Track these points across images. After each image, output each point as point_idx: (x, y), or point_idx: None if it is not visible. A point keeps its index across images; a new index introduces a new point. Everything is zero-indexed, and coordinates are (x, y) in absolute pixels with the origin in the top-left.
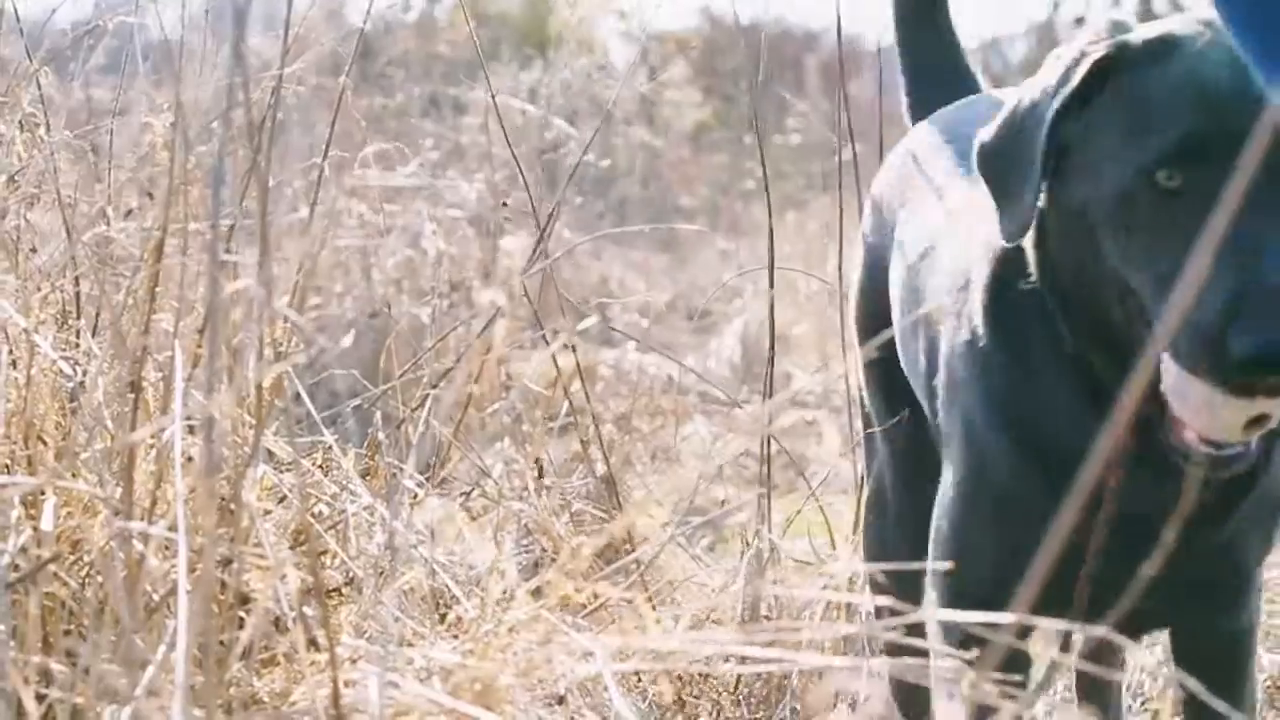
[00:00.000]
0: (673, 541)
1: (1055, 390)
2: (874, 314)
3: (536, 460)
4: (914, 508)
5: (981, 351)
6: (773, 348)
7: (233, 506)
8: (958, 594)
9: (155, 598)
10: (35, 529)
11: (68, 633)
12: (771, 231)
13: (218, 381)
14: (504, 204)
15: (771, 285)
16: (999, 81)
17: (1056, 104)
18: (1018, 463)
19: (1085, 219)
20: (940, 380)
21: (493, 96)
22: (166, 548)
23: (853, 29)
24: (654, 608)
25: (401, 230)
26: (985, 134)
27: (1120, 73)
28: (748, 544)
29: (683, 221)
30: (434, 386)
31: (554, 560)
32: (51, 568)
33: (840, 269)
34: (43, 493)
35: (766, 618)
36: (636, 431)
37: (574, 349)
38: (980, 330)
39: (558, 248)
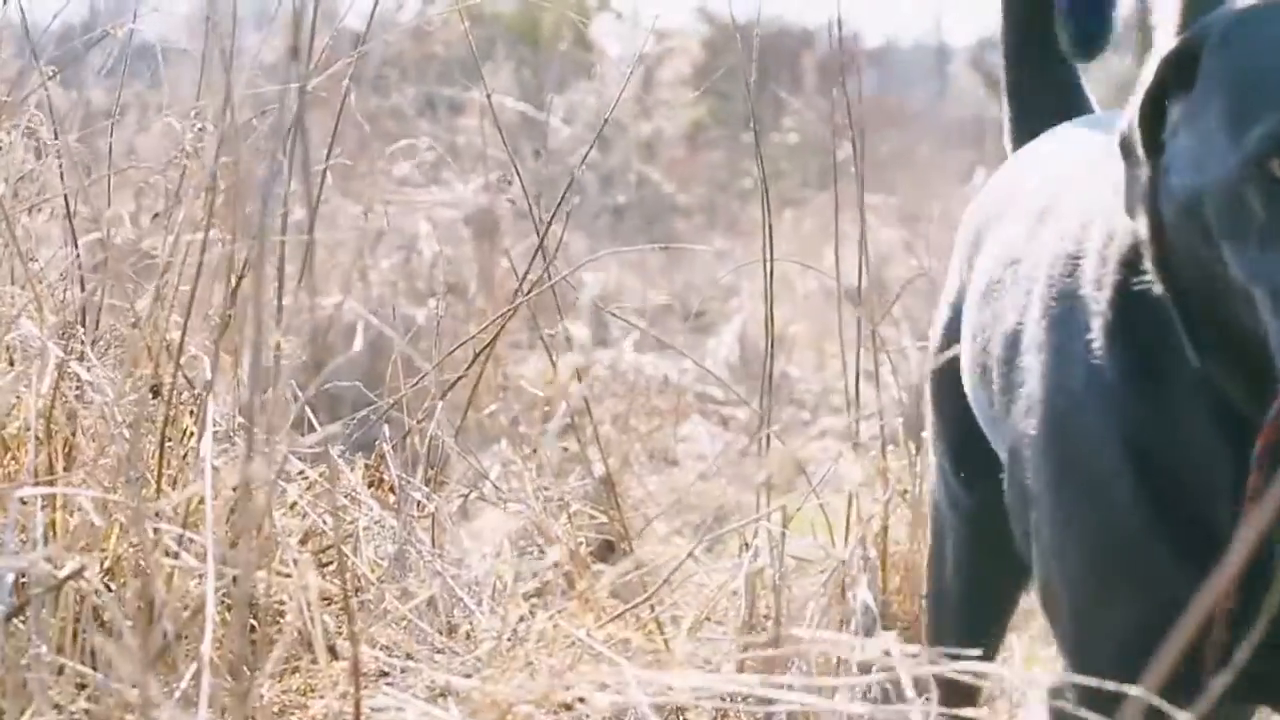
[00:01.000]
0: (672, 542)
1: (1191, 422)
2: (954, 376)
3: (536, 461)
4: (979, 603)
5: (1102, 374)
6: (771, 347)
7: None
8: (1093, 672)
9: (186, 605)
10: (64, 532)
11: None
12: (770, 229)
13: (257, 392)
14: (509, 201)
15: (769, 284)
16: (993, 80)
17: (1147, 90)
18: (1151, 513)
19: (1197, 215)
20: (1034, 418)
21: (488, 96)
22: (178, 553)
23: (850, 26)
24: (652, 608)
25: (397, 232)
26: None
27: (1214, 52)
28: (746, 544)
29: (679, 220)
30: (440, 397)
31: (555, 564)
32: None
33: (838, 266)
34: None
35: (766, 618)
36: (634, 432)
37: (574, 349)
38: (1101, 346)
39: (556, 251)
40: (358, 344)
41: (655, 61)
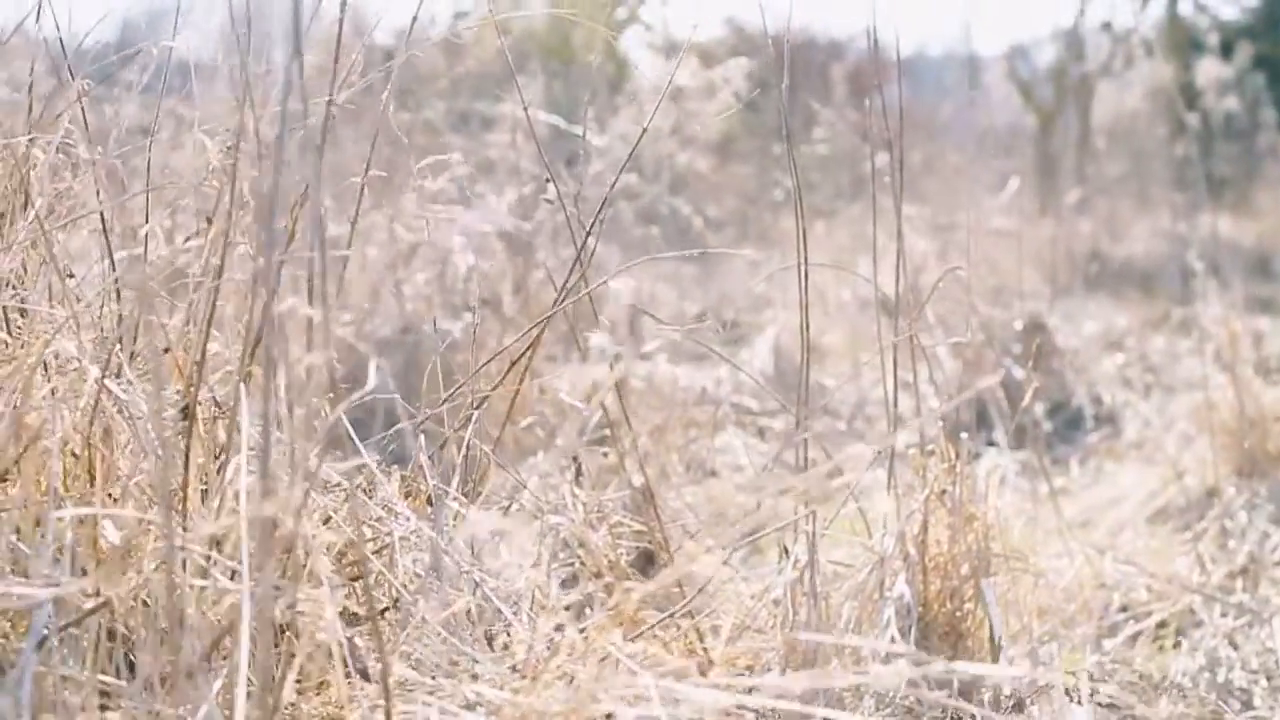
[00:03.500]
0: (712, 553)
1: None
2: None
3: (576, 472)
4: None
5: None
6: (807, 356)
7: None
8: None
9: (216, 623)
10: (97, 551)
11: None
12: (805, 239)
13: (275, 411)
14: (548, 200)
15: (804, 292)
16: (1026, 88)
17: None
18: None
19: None
20: None
21: (525, 109)
22: (206, 571)
23: (881, 36)
24: (692, 615)
25: (431, 246)
26: None
27: None
28: (786, 552)
29: (711, 232)
30: (476, 407)
31: (595, 574)
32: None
33: (875, 273)
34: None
35: (806, 625)
36: (671, 443)
37: (614, 360)
38: None
39: (591, 263)
40: (389, 363)
41: (693, 84)
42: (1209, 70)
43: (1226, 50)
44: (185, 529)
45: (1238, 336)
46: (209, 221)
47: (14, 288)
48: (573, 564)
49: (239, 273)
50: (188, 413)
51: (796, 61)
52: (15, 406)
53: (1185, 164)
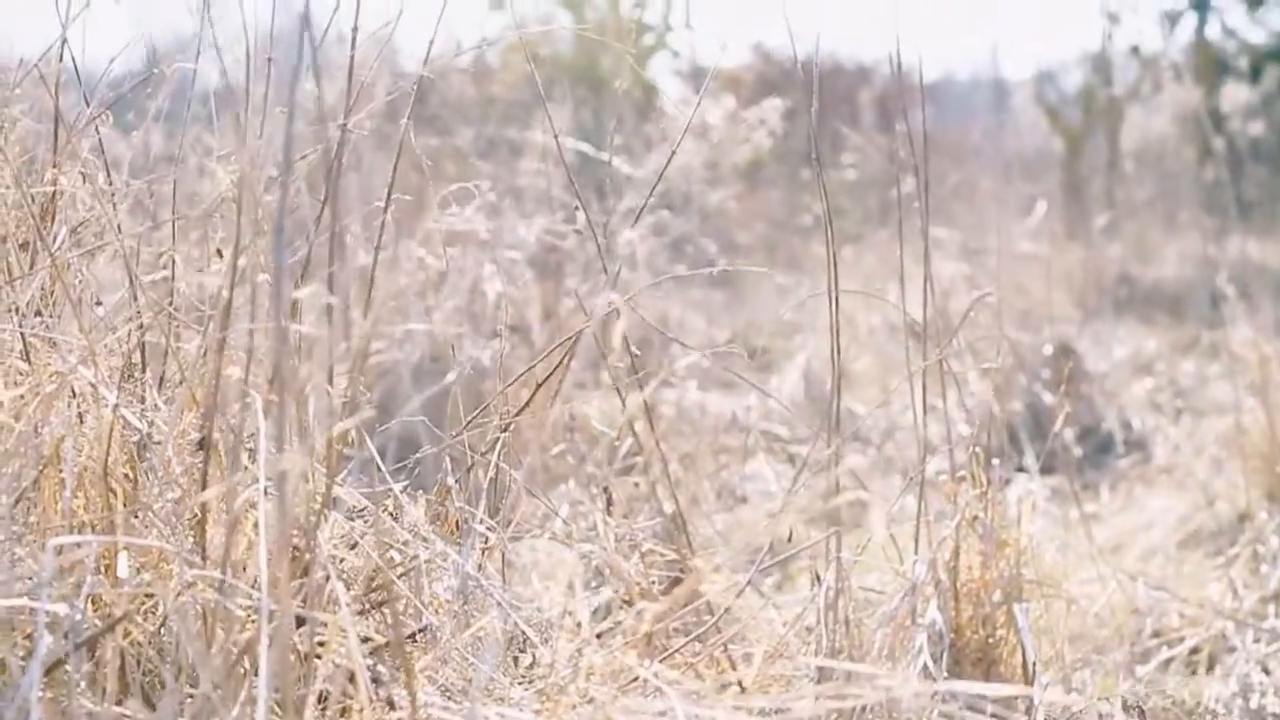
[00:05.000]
0: (739, 582)
1: None
2: None
3: (607, 500)
4: None
5: None
6: (838, 381)
7: (308, 556)
8: None
9: (234, 650)
10: (111, 580)
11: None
12: (835, 264)
13: (290, 437)
14: (576, 231)
15: (835, 317)
16: (1053, 112)
17: None
18: None
19: None
20: None
21: (556, 136)
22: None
23: (907, 60)
24: (725, 648)
25: (460, 273)
26: None
27: None
28: (818, 579)
29: (740, 258)
30: (503, 430)
31: (626, 603)
32: (126, 623)
33: (903, 298)
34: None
35: (838, 652)
36: (701, 470)
37: (642, 387)
38: None
39: (621, 288)
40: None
41: (713, 100)
42: (1235, 94)
43: (1255, 74)
44: (204, 555)
45: (1268, 360)
46: (219, 253)
47: (40, 315)
48: (602, 593)
49: (261, 298)
50: (204, 441)
51: (824, 87)
52: (36, 431)
53: (1214, 187)
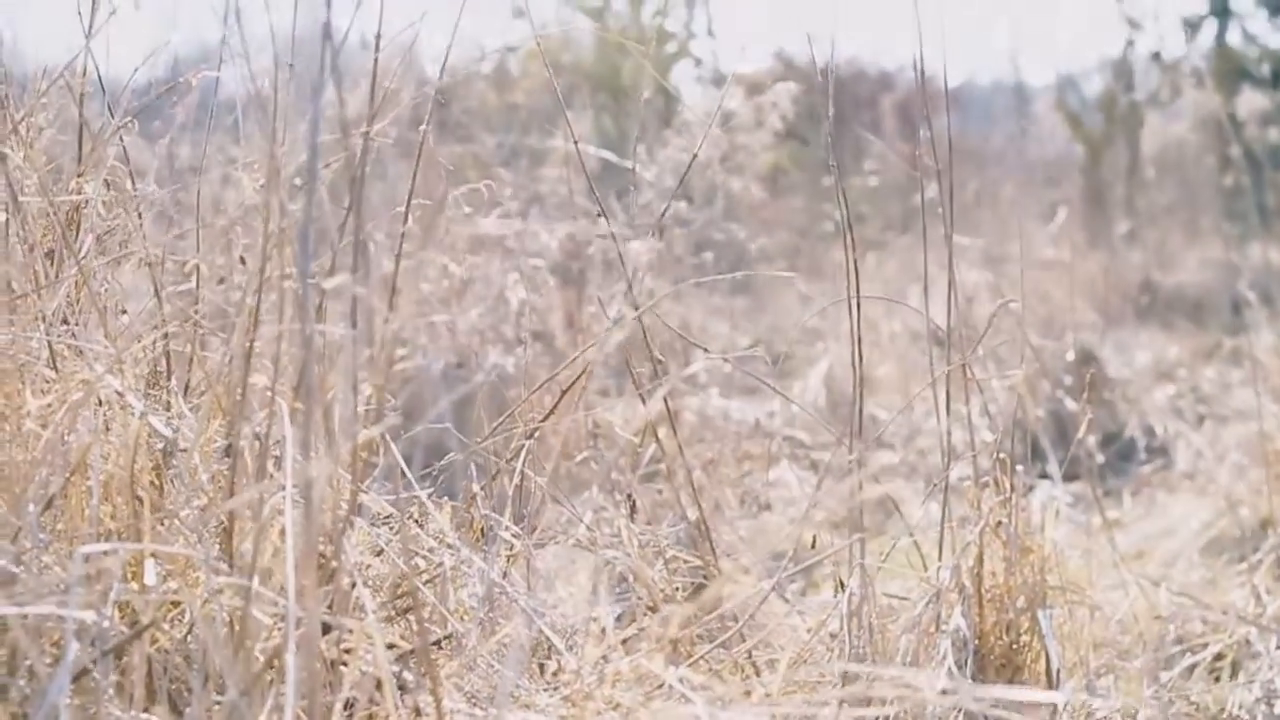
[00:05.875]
0: (763, 589)
1: None
2: None
3: (631, 506)
4: None
5: None
6: (860, 387)
7: (334, 563)
8: None
9: (260, 657)
10: (138, 587)
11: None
12: (856, 270)
13: (315, 444)
14: (600, 236)
15: (856, 324)
16: (1075, 118)
17: None
18: None
19: None
20: None
21: (576, 143)
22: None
23: (929, 67)
24: (749, 654)
25: (484, 280)
26: None
27: None
28: (841, 585)
29: (762, 265)
30: (528, 438)
31: (651, 609)
32: (153, 630)
33: (926, 304)
34: (149, 555)
35: (860, 658)
36: (724, 477)
37: (667, 395)
38: None
39: (644, 296)
40: (444, 397)
41: (741, 111)
42: (1252, 101)
43: (1276, 80)
44: (231, 562)
45: None
46: (242, 261)
47: (66, 323)
48: (628, 598)
49: (286, 306)
50: (231, 449)
51: (845, 93)
52: (63, 439)
53: (1235, 193)
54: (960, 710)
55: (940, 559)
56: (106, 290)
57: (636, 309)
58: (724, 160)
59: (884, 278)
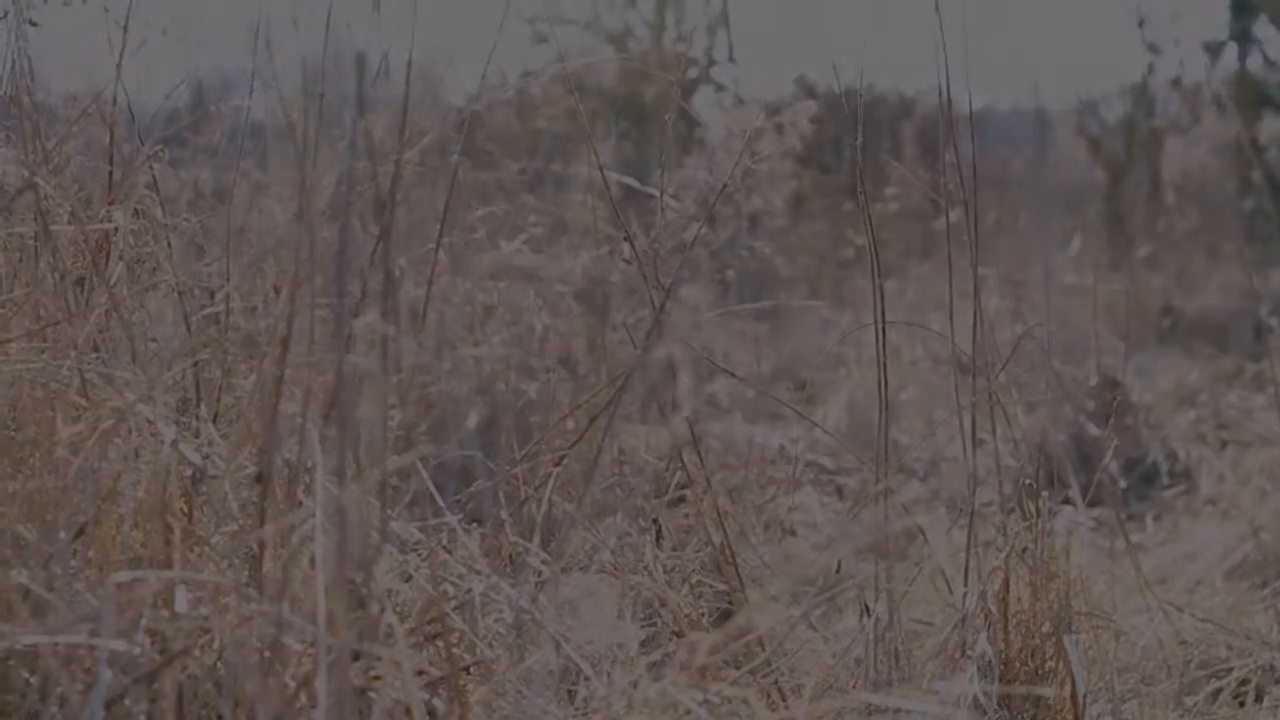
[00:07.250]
0: (791, 615)
1: None
2: None
3: (656, 531)
4: None
5: None
6: (885, 414)
7: (364, 590)
8: None
9: (291, 684)
10: (169, 614)
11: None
12: (881, 295)
13: (348, 470)
14: (625, 261)
15: (881, 349)
16: (1095, 143)
17: None
18: None
19: None
20: None
21: (601, 169)
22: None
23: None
24: (776, 681)
25: (510, 307)
26: None
27: None
28: (867, 610)
29: (784, 291)
30: (556, 464)
31: (676, 634)
32: (184, 657)
33: (951, 329)
34: (180, 582)
35: (887, 683)
36: (749, 502)
37: (690, 420)
38: None
39: (665, 305)
40: (472, 422)
41: (760, 134)
42: (1273, 126)
43: None
44: (261, 589)
45: None
46: (275, 291)
47: (97, 350)
48: (654, 624)
49: (316, 333)
50: (261, 476)
51: (866, 118)
52: (94, 467)
53: (1256, 218)
54: None
55: (965, 584)
56: (137, 318)
57: (665, 337)
58: (745, 177)
59: (905, 304)
